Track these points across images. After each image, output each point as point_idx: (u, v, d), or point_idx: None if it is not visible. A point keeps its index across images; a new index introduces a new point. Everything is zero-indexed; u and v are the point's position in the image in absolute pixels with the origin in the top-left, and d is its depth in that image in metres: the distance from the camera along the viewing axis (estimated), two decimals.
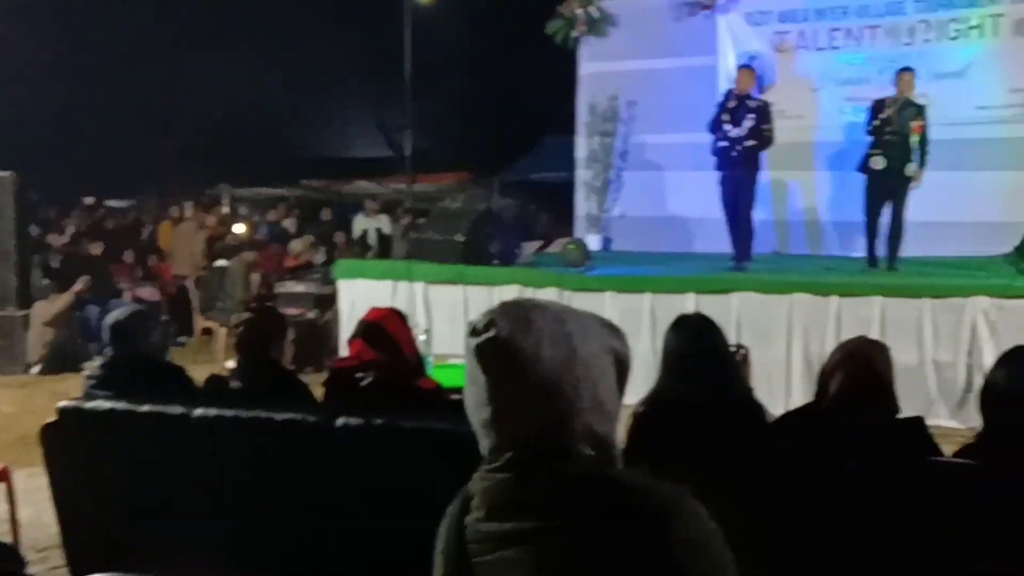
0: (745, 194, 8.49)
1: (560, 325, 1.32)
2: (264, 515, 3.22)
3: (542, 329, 1.30)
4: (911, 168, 8.19)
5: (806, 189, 10.51)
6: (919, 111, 8.25)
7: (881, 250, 8.43)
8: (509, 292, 7.88)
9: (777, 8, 10.59)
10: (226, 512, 3.25)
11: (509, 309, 1.34)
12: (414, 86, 19.82)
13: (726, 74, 10.41)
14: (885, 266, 8.34)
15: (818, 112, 10.40)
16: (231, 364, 4.11)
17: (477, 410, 1.33)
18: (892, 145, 8.18)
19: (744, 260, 8.50)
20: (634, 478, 1.32)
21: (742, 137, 8.40)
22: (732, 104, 8.49)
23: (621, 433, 3.06)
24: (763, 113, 8.51)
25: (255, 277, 10.74)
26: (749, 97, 8.58)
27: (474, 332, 1.33)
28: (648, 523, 1.25)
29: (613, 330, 1.39)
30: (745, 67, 9.01)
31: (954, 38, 9.85)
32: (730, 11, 10.75)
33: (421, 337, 4.64)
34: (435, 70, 20.34)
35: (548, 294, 7.81)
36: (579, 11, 11.15)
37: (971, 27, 9.78)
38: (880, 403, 2.73)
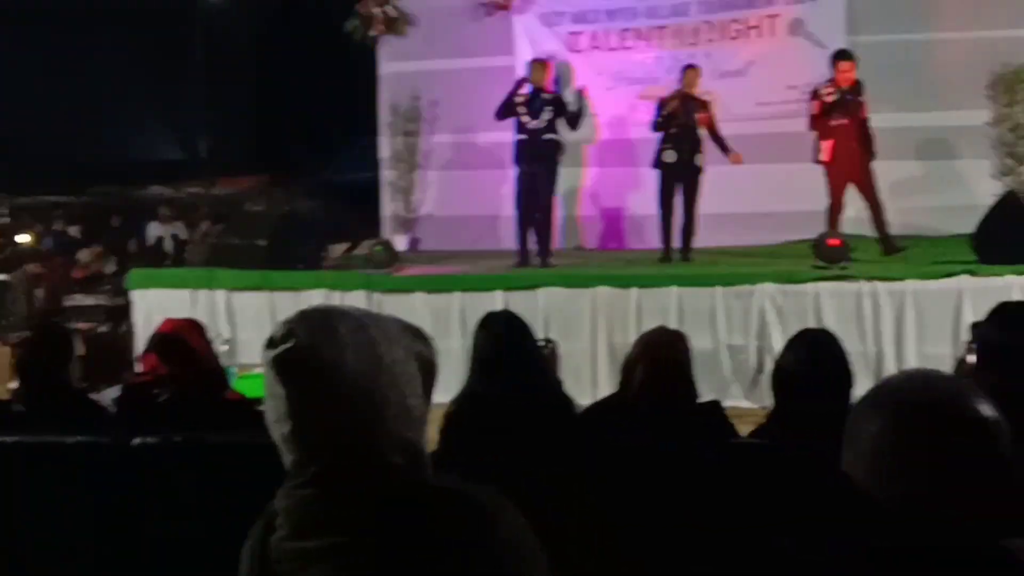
0: (545, 188, 8.59)
1: (363, 332, 1.28)
2: (59, 547, 3.00)
3: (344, 337, 1.26)
4: (701, 159, 8.61)
5: (603, 184, 10.85)
6: (703, 105, 8.68)
7: (676, 241, 8.80)
8: (316, 297, 7.71)
9: (570, 9, 10.86)
10: (14, 546, 3.01)
11: (308, 317, 1.29)
12: (209, 86, 19.14)
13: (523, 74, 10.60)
14: (680, 257, 8.71)
15: (612, 111, 10.75)
16: (14, 386, 3.82)
17: (277, 424, 1.27)
18: (681, 138, 8.57)
19: (547, 256, 8.65)
20: (444, 484, 1.30)
21: (541, 129, 8.48)
22: (526, 97, 8.56)
23: (433, 434, 3.05)
24: (559, 104, 8.65)
25: (39, 291, 10.07)
26: (543, 90, 8.70)
27: (271, 343, 1.27)
28: (461, 529, 1.23)
29: (418, 334, 1.37)
30: (538, 60, 9.11)
31: (735, 38, 10.41)
32: (525, 12, 10.95)
33: (223, 347, 4.47)
34: (231, 69, 19.73)
35: (357, 297, 7.71)
36: (376, 10, 11.05)
37: (750, 27, 10.36)
38: (680, 390, 2.84)
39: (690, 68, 8.81)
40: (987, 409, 1.18)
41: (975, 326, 2.66)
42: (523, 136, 8.58)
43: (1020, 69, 9.82)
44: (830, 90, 8.22)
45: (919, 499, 1.13)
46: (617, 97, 10.76)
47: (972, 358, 2.61)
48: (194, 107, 19.27)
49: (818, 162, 8.37)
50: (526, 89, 8.61)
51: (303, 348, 1.25)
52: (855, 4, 10.09)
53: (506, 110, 8.64)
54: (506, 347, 2.93)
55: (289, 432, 1.26)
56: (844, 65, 8.19)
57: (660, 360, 2.93)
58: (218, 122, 19.88)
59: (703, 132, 8.68)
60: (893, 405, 1.19)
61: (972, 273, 6.91)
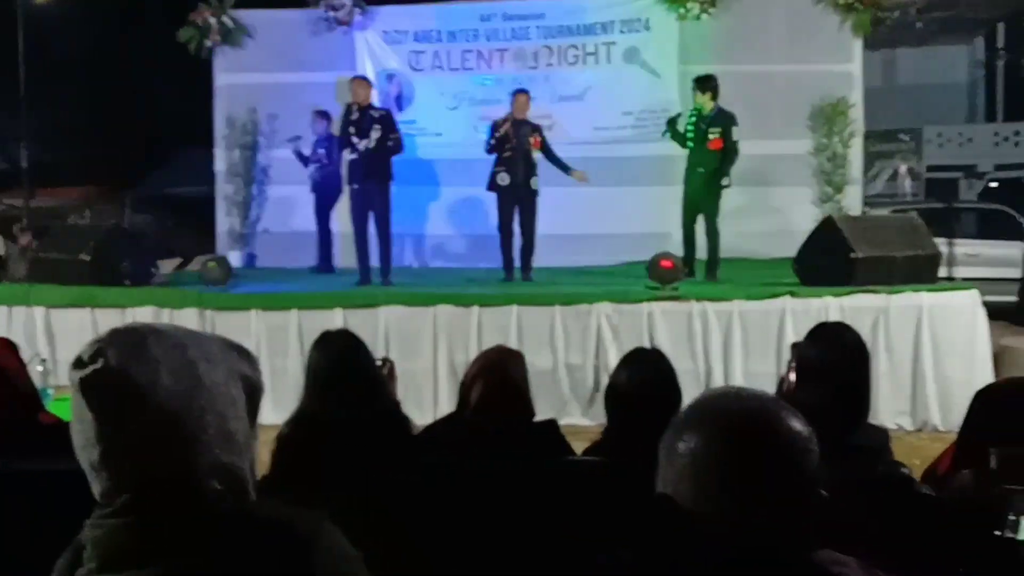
0: (380, 207, 8.52)
1: (181, 352, 1.21)
2: None
3: (159, 357, 1.19)
4: (535, 181, 8.73)
5: (446, 204, 10.88)
6: (534, 128, 8.81)
7: (516, 261, 8.90)
8: (144, 314, 7.40)
9: (412, 28, 10.88)
10: None
11: (120, 336, 1.22)
12: (31, 93, 18.10)
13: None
14: (520, 276, 8.81)
15: (455, 131, 10.80)
16: None
17: (85, 450, 1.19)
18: (514, 161, 8.66)
19: (388, 274, 8.59)
20: (268, 511, 1.25)
21: (371, 149, 8.37)
22: (355, 116, 8.42)
23: (265, 456, 2.95)
24: (388, 122, 8.53)
25: None
26: (371, 107, 8.59)
27: (78, 363, 1.19)
28: (280, 558, 1.18)
29: (243, 354, 1.31)
30: (359, 78, 8.92)
31: (573, 63, 10.66)
32: (367, 28, 10.89)
33: (39, 368, 4.22)
34: (56, 77, 18.76)
35: (188, 315, 7.44)
36: (212, 20, 10.76)
37: (588, 54, 10.64)
38: (516, 408, 2.85)
39: (520, 92, 8.91)
40: (799, 424, 1.22)
41: (795, 346, 2.77)
42: (354, 156, 8.47)
43: (838, 102, 10.46)
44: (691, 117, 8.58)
45: (738, 513, 1.16)
46: (460, 117, 10.84)
47: (792, 376, 2.72)
48: (14, 114, 18.19)
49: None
50: (355, 110, 8.47)
51: (112, 369, 1.17)
52: (687, 35, 10.51)
53: (344, 139, 8.53)
54: (341, 366, 2.86)
55: (98, 458, 1.18)
56: (696, 92, 8.54)
57: (496, 379, 2.93)
58: (41, 130, 18.84)
59: (539, 155, 8.79)
60: (711, 423, 1.22)
61: (794, 295, 7.26)
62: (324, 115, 9.68)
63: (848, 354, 2.64)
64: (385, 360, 3.16)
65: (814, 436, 1.22)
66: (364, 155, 8.38)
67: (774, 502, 1.17)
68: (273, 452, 2.91)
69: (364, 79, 8.97)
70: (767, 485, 1.17)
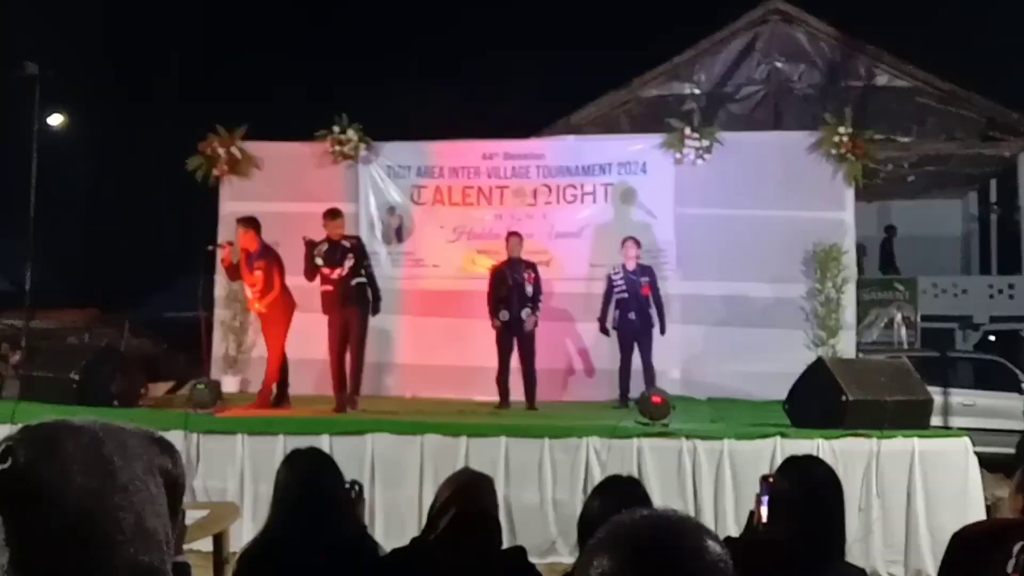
0: (357, 333, 8.60)
1: (96, 448, 1.19)
2: None
3: (71, 454, 1.16)
4: (525, 314, 9.10)
5: (442, 334, 10.89)
6: (529, 266, 9.27)
7: (512, 394, 9.04)
8: None
9: (416, 163, 11.15)
10: None
11: (33, 433, 1.19)
12: (40, 217, 18.40)
13: (368, 221, 10.79)
14: (525, 406, 9.03)
15: (453, 263, 10.94)
16: None
17: None
18: (511, 299, 9.11)
19: (355, 395, 8.60)
20: None
21: (345, 277, 8.51)
22: (324, 248, 8.55)
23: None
24: (359, 250, 8.70)
25: None
26: (344, 237, 8.72)
27: None
28: None
29: (164, 447, 1.29)
30: (332, 211, 8.95)
31: (571, 202, 10.88)
32: (371, 162, 11.17)
33: None
34: (66, 202, 19.13)
35: (174, 437, 7.36)
36: (221, 150, 11.05)
37: (586, 193, 10.87)
38: (484, 535, 2.78)
39: (513, 235, 9.46)
40: (712, 542, 1.20)
41: (764, 479, 2.73)
42: (327, 287, 8.55)
43: (831, 248, 10.61)
44: (617, 272, 9.45)
45: None
46: (458, 249, 10.99)
47: (764, 510, 2.68)
48: (23, 237, 18.45)
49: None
50: (322, 242, 8.60)
51: (20, 469, 1.15)
52: (682, 178, 10.75)
53: (311, 269, 8.58)
54: (306, 485, 2.82)
55: (8, 562, 1.14)
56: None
57: (470, 505, 2.87)
58: (47, 254, 19.08)
59: (530, 289, 9.19)
60: (620, 543, 1.19)
61: (784, 436, 7.19)
62: None
63: (819, 488, 2.61)
64: (353, 483, 3.10)
65: (728, 556, 1.20)
66: (337, 284, 8.49)
67: None
68: (235, 572, 2.85)
69: (336, 211, 8.93)
70: None
